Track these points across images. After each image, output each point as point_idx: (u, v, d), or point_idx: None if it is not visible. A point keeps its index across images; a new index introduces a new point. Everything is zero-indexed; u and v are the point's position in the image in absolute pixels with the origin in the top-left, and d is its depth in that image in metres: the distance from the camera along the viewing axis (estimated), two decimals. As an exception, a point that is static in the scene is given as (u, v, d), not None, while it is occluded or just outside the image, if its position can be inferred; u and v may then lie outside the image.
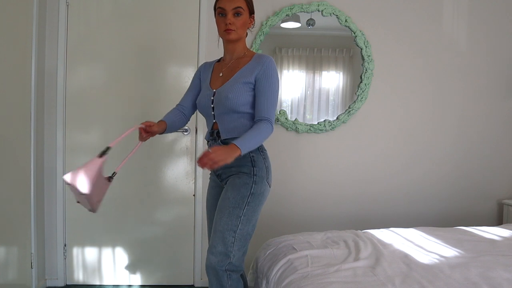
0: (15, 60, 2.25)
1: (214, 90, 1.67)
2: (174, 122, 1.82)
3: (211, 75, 1.76)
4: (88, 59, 2.55)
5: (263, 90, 1.60)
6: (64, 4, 2.48)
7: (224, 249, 1.52)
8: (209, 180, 1.83)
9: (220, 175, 1.70)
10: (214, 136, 1.69)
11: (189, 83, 1.89)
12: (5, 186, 2.15)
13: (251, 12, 1.68)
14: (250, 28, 1.72)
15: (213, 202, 1.75)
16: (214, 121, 1.68)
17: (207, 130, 1.76)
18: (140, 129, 1.70)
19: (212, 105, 1.66)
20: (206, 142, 1.78)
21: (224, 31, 1.63)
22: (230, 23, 1.60)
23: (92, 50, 2.54)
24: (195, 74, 1.87)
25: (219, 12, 1.63)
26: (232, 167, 1.61)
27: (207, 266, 1.56)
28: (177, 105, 1.89)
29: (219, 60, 1.81)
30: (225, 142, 1.62)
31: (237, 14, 1.61)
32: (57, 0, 2.47)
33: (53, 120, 2.53)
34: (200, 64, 2.41)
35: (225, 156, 1.41)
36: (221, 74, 1.71)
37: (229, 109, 1.61)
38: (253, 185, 1.59)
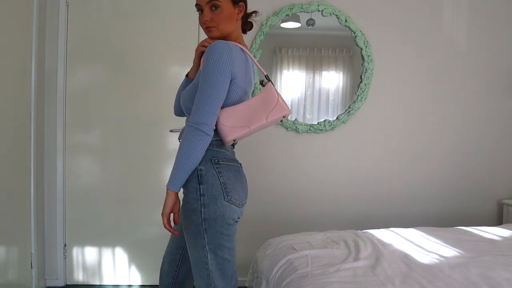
0: (15, 60, 2.25)
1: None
2: None
3: None
4: (88, 59, 2.55)
5: (198, 84, 1.29)
6: (64, 4, 2.48)
7: (204, 283, 1.31)
8: None
9: None
10: None
11: None
12: (5, 186, 2.15)
13: (235, 1, 1.38)
14: (238, 19, 1.41)
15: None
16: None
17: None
18: None
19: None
20: None
21: (205, 29, 1.40)
22: (207, 20, 1.36)
23: (92, 50, 2.54)
24: None
25: (197, 9, 1.42)
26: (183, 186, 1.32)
27: None
28: None
29: None
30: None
31: (214, 7, 1.35)
32: (57, 0, 2.47)
33: (53, 120, 2.53)
34: None
35: (164, 210, 1.27)
36: None
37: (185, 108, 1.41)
38: (202, 209, 1.27)
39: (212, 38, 1.40)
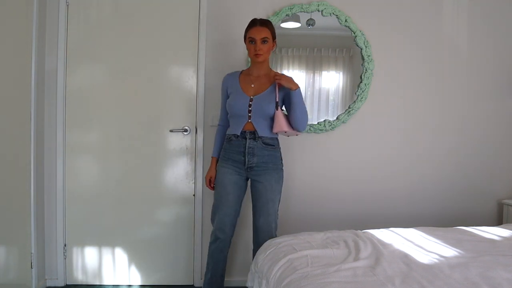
0: (15, 60, 2.25)
1: (252, 97, 2.09)
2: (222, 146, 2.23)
3: (240, 84, 2.15)
4: (88, 59, 2.55)
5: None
6: (64, 4, 2.48)
7: (276, 224, 2.17)
8: (222, 167, 2.15)
9: (252, 168, 2.10)
10: (250, 135, 2.08)
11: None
12: (5, 186, 2.15)
13: (274, 38, 2.12)
14: (273, 50, 2.16)
15: (234, 187, 2.13)
16: (249, 121, 2.07)
17: (230, 127, 2.16)
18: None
19: (250, 108, 2.06)
20: (235, 137, 2.10)
21: (254, 55, 2.07)
22: (259, 49, 2.04)
23: (92, 50, 2.54)
24: (223, 88, 2.23)
25: (250, 40, 2.06)
26: (269, 162, 2.11)
27: (268, 239, 2.00)
28: (219, 125, 2.28)
29: (241, 72, 2.22)
30: (264, 141, 2.09)
31: (264, 41, 2.05)
32: (57, 0, 2.47)
33: (53, 120, 2.53)
34: (199, 64, 2.57)
35: (294, 84, 2.02)
36: (252, 85, 2.13)
37: (267, 114, 2.07)
38: (283, 176, 2.19)
39: (258, 62, 2.10)
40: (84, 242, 2.61)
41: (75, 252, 2.61)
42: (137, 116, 2.58)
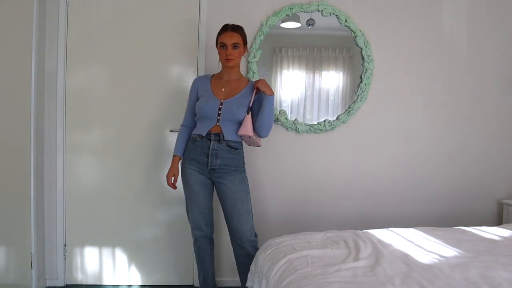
0: (15, 60, 2.25)
1: (222, 101, 2.09)
2: (186, 147, 2.21)
3: (211, 87, 2.16)
4: (88, 59, 2.54)
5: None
6: (64, 4, 2.48)
7: (251, 224, 2.14)
8: (187, 169, 2.15)
9: (215, 170, 2.10)
10: (215, 137, 2.07)
11: (190, 83, 2.15)
12: (5, 186, 2.16)
13: (245, 43, 2.14)
14: (244, 56, 2.23)
15: (200, 187, 2.14)
16: (217, 124, 2.07)
17: (197, 128, 2.15)
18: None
19: (219, 112, 2.07)
20: (199, 138, 2.10)
21: (225, 60, 2.08)
22: (230, 54, 2.06)
23: (92, 50, 2.54)
24: (192, 90, 2.22)
25: (221, 45, 2.08)
26: (231, 165, 2.11)
27: (247, 241, 2.11)
28: (183, 126, 2.24)
29: (212, 76, 2.23)
30: (229, 144, 2.08)
31: (235, 47, 2.07)
32: (57, 0, 2.47)
33: (53, 120, 2.53)
34: (199, 64, 2.57)
35: (270, 89, 2.07)
36: (223, 89, 2.14)
37: (236, 118, 2.07)
38: (247, 179, 2.19)
39: (229, 66, 2.12)
40: (84, 242, 2.61)
41: (75, 252, 2.61)
42: (137, 116, 2.58)
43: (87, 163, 2.59)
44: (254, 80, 2.42)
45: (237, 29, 2.10)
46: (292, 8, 2.54)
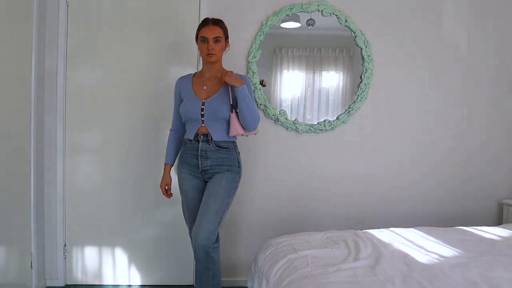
0: (15, 60, 2.25)
1: (204, 100, 2.00)
2: (177, 152, 2.17)
3: (193, 87, 2.07)
4: (88, 59, 2.54)
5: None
6: (64, 4, 2.48)
7: (213, 227, 1.91)
8: (180, 173, 2.09)
9: (206, 171, 2.02)
10: (203, 138, 2.00)
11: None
12: (5, 186, 2.15)
13: (227, 37, 2.05)
14: (225, 51, 2.08)
15: (194, 192, 2.06)
16: (203, 125, 2.00)
17: (186, 131, 2.08)
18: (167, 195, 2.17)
19: (202, 113, 1.98)
20: (189, 141, 2.04)
21: (206, 55, 1.99)
22: (212, 49, 1.97)
23: (92, 50, 2.54)
24: (175, 92, 2.15)
25: (202, 39, 1.99)
26: (223, 165, 2.01)
27: (197, 244, 1.89)
28: (172, 130, 2.20)
29: (194, 75, 2.14)
30: (218, 145, 2.00)
31: (217, 41, 1.98)
32: (57, 0, 2.47)
33: (53, 120, 2.53)
34: (199, 64, 2.54)
35: (239, 81, 1.92)
36: (205, 87, 2.04)
37: (220, 117, 1.98)
38: (238, 180, 2.06)
39: (211, 62, 2.01)
40: (84, 242, 2.61)
41: (75, 252, 2.61)
42: (137, 116, 2.58)
43: (87, 163, 2.59)
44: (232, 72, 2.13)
45: (218, 23, 2.01)
46: (292, 8, 2.54)
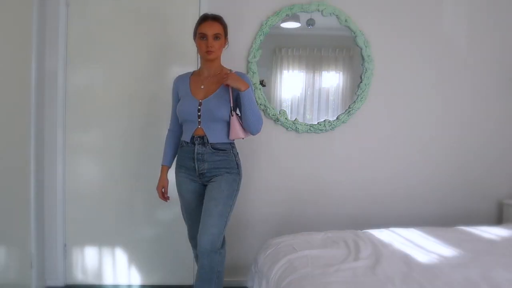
0: (15, 60, 2.25)
1: (201, 100, 1.92)
2: (175, 153, 2.11)
3: (190, 87, 1.99)
4: (88, 59, 2.54)
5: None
6: (64, 4, 2.48)
7: (218, 231, 1.82)
8: (178, 176, 2.03)
9: (204, 174, 1.94)
10: (200, 141, 1.92)
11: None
12: (5, 185, 2.16)
13: (226, 34, 1.96)
14: (224, 48, 2.00)
15: (192, 196, 2.00)
16: (199, 127, 1.92)
17: (183, 133, 2.03)
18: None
19: (199, 113, 1.90)
20: (185, 143, 1.98)
21: (205, 52, 1.90)
22: (211, 46, 1.88)
23: (92, 50, 2.54)
24: (173, 92, 2.09)
25: (201, 36, 1.91)
26: (221, 168, 1.93)
27: (202, 249, 1.79)
28: (169, 131, 2.15)
29: (192, 73, 2.06)
30: (214, 147, 1.92)
31: (216, 38, 1.90)
32: (57, 0, 2.47)
33: (53, 120, 2.52)
34: (199, 64, 2.46)
35: (243, 83, 1.82)
36: (202, 87, 1.96)
37: (218, 118, 1.90)
38: (239, 181, 1.98)
39: (210, 59, 1.93)
40: (84, 242, 2.61)
41: (75, 252, 2.61)
42: (137, 116, 2.58)
43: (87, 163, 2.59)
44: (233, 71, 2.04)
45: (218, 19, 1.93)
46: (292, 8, 2.54)
